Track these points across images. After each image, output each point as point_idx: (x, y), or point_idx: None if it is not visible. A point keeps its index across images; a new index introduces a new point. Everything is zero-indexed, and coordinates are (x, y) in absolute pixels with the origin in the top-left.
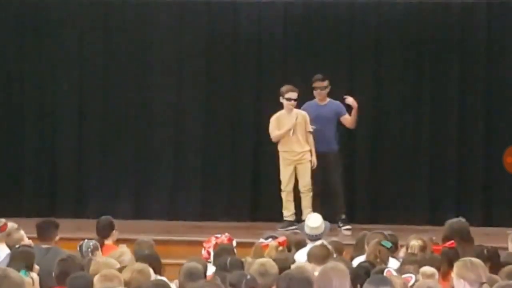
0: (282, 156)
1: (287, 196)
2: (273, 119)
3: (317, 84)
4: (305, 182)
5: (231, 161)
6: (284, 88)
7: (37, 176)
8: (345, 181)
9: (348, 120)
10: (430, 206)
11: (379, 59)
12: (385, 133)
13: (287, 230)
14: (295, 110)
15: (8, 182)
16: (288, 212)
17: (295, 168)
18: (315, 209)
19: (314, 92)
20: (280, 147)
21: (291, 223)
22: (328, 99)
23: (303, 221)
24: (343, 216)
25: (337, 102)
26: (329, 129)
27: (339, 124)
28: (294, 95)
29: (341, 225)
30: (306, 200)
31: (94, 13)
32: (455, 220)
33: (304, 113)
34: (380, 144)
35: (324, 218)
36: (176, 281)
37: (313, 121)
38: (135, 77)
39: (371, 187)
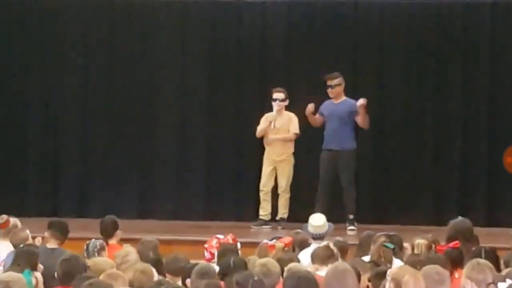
0: (264, 156)
1: (264, 196)
2: (262, 118)
3: (327, 82)
4: (283, 184)
5: (235, 161)
6: (273, 89)
7: (40, 176)
8: None
9: (359, 120)
10: (434, 206)
11: (383, 59)
12: (389, 133)
13: (261, 229)
14: (285, 112)
15: (11, 182)
16: (264, 211)
17: (276, 169)
18: (322, 206)
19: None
20: (265, 146)
21: (265, 223)
22: (343, 98)
23: (278, 220)
24: (351, 217)
25: (352, 101)
26: (342, 128)
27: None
28: (278, 95)
29: (347, 224)
30: (282, 201)
31: (98, 12)
32: (458, 220)
33: (292, 115)
34: (383, 144)
35: (330, 217)
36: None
37: (327, 118)
38: (139, 77)
39: (375, 188)
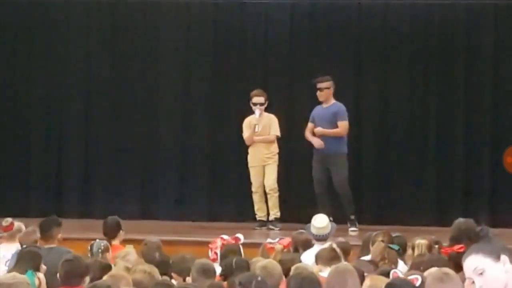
0: (249, 158)
1: (259, 197)
2: (244, 123)
3: (317, 85)
4: (270, 183)
5: (238, 162)
6: (252, 93)
7: (44, 176)
8: (352, 182)
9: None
10: (437, 207)
11: (386, 60)
12: (392, 134)
13: (262, 230)
14: (264, 114)
15: (15, 182)
16: (261, 212)
17: (263, 170)
18: (320, 208)
19: None
20: (249, 149)
21: (264, 224)
22: (332, 101)
23: (272, 221)
24: (352, 217)
25: (338, 105)
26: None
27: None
28: (259, 99)
29: (348, 225)
30: (272, 201)
31: (101, 12)
32: (462, 220)
33: (272, 116)
34: (386, 145)
35: (332, 217)
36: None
37: (317, 123)
38: (142, 78)
39: (377, 188)
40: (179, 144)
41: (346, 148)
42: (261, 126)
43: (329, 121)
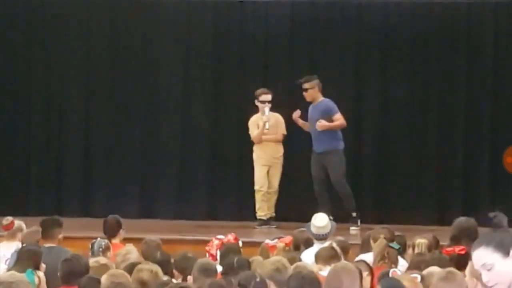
0: (256, 156)
1: (262, 196)
2: (251, 122)
3: (302, 86)
4: (276, 184)
5: (238, 161)
6: (258, 91)
7: (44, 175)
8: (352, 182)
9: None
10: (437, 206)
11: (386, 59)
12: (392, 133)
13: (262, 229)
14: (271, 113)
15: (15, 181)
16: (262, 211)
17: (268, 169)
18: (320, 207)
19: None
20: (255, 148)
21: (264, 222)
22: (320, 99)
23: (269, 219)
24: (354, 215)
25: (325, 102)
26: (319, 130)
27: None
28: (267, 97)
29: (350, 224)
30: (273, 201)
31: (101, 11)
32: (463, 219)
33: (278, 116)
34: (386, 144)
35: (333, 217)
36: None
37: (308, 122)
38: (142, 77)
39: (377, 188)
40: (179, 143)
41: (341, 144)
42: (269, 125)
43: (316, 119)
